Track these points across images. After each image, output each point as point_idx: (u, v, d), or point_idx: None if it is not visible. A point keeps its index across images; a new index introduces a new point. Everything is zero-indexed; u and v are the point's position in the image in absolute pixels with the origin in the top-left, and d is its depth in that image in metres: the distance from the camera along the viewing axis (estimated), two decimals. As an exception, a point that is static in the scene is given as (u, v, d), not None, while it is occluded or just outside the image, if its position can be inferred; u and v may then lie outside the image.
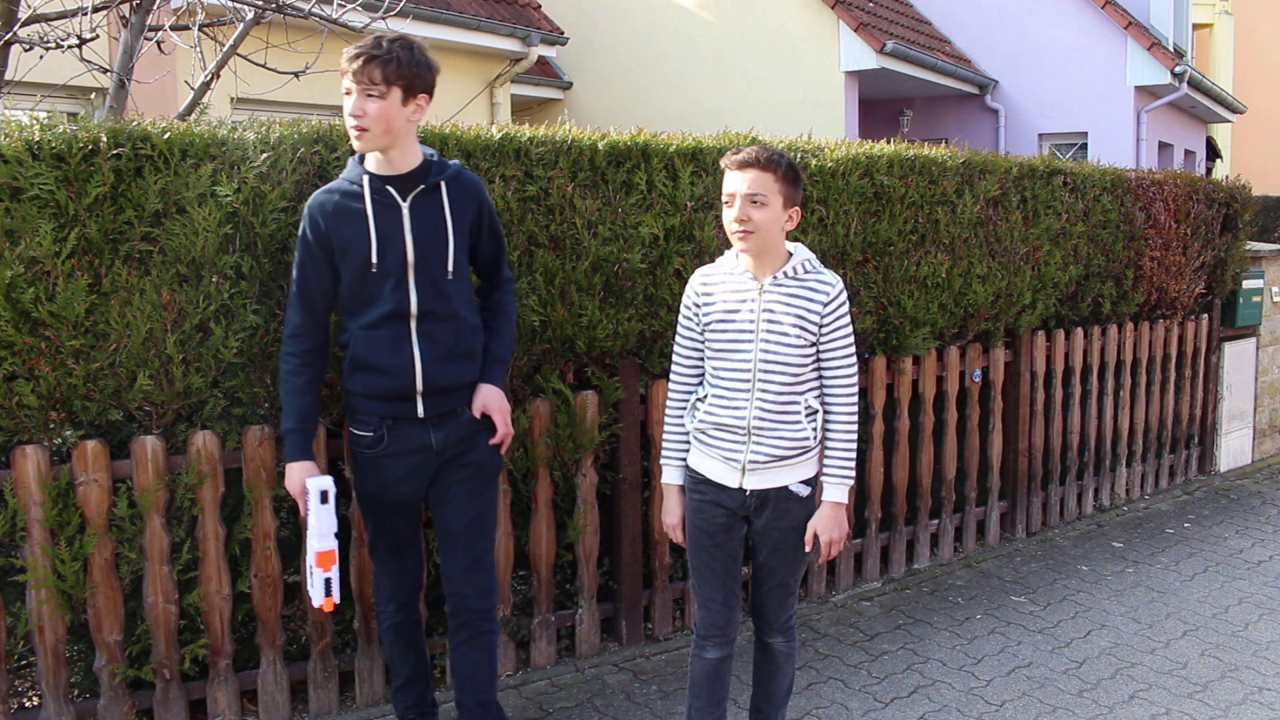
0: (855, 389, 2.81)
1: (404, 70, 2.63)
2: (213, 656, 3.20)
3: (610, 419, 3.79)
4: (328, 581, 2.76)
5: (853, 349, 2.80)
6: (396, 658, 3.07)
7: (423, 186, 2.76)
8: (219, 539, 3.16)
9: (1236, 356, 6.84)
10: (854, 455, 2.80)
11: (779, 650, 2.95)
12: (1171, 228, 5.93)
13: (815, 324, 2.73)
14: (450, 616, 2.97)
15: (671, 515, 2.93)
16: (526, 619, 3.75)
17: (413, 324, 2.75)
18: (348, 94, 2.65)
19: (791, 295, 2.72)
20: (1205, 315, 6.51)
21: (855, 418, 2.79)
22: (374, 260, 2.71)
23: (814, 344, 2.76)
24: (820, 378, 2.81)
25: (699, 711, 2.93)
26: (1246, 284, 6.70)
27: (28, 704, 3.31)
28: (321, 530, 2.75)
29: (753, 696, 3.06)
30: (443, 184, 2.78)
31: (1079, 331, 5.47)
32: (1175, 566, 5.00)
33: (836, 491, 2.79)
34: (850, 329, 2.79)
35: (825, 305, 2.72)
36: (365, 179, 2.73)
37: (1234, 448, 6.93)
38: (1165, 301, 6.07)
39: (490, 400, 2.88)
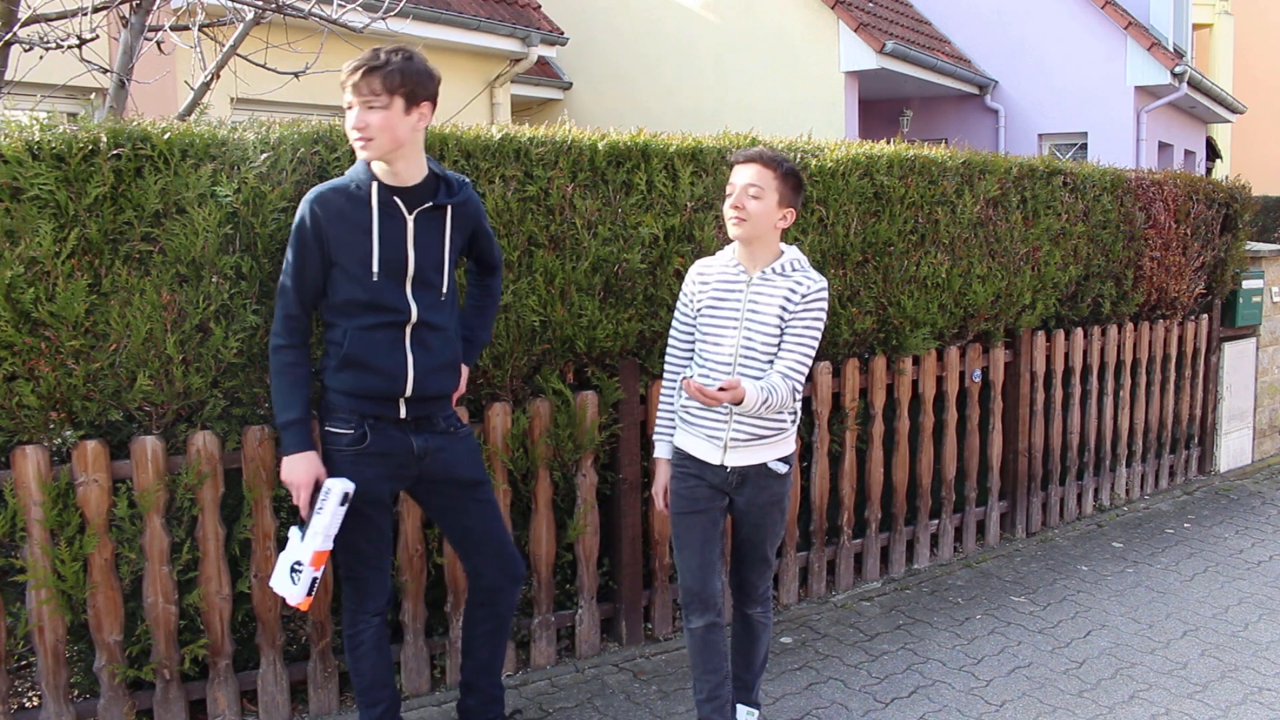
0: (798, 381, 2.90)
1: (404, 80, 2.61)
2: (213, 656, 3.20)
3: (610, 419, 3.79)
4: (314, 581, 2.72)
5: (810, 345, 2.92)
6: (381, 677, 2.97)
7: (430, 204, 2.78)
8: (219, 539, 3.16)
9: (1236, 357, 6.84)
10: (761, 412, 2.83)
11: (757, 621, 3.17)
12: (1171, 228, 5.93)
13: (791, 313, 2.91)
14: (479, 607, 3.05)
15: (659, 484, 3.14)
16: (526, 619, 3.75)
17: (408, 330, 2.78)
18: (349, 108, 2.64)
19: (775, 289, 2.93)
20: (1205, 315, 6.51)
21: (781, 398, 2.84)
22: (375, 269, 2.71)
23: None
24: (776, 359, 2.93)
25: (700, 680, 3.09)
26: (1246, 284, 6.71)
27: (28, 704, 3.31)
28: (329, 531, 2.71)
29: (733, 665, 3.22)
30: (449, 208, 2.81)
31: (1079, 332, 5.47)
32: (1175, 567, 5.00)
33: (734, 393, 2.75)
34: (817, 329, 2.94)
35: (804, 296, 2.91)
36: (374, 186, 2.71)
37: (1234, 448, 6.93)
38: (1165, 301, 6.07)
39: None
